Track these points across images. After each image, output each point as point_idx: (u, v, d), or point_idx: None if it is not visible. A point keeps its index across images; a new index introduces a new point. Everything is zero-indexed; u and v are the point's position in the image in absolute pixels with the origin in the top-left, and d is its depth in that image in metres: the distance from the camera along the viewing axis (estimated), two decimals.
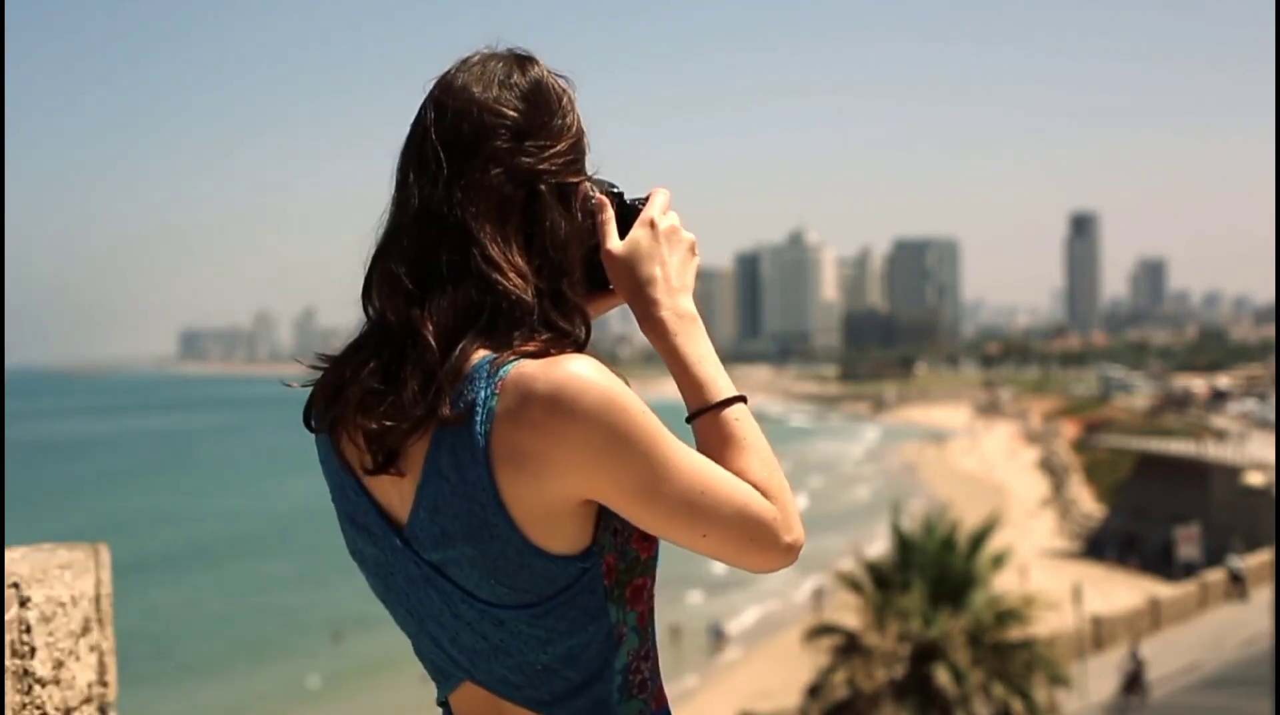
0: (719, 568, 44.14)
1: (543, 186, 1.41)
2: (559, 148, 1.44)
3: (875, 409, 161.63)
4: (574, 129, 1.47)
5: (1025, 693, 21.28)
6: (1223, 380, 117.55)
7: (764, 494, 1.39)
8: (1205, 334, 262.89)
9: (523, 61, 1.46)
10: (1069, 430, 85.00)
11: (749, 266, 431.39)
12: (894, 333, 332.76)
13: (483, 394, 1.32)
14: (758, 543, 1.38)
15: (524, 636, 1.36)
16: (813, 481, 76.42)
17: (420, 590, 1.39)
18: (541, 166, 1.42)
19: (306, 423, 1.47)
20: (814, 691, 22.00)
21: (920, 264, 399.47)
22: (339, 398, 1.41)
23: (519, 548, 1.32)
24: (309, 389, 1.50)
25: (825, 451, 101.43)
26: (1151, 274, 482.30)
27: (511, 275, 1.37)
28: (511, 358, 1.33)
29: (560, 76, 1.49)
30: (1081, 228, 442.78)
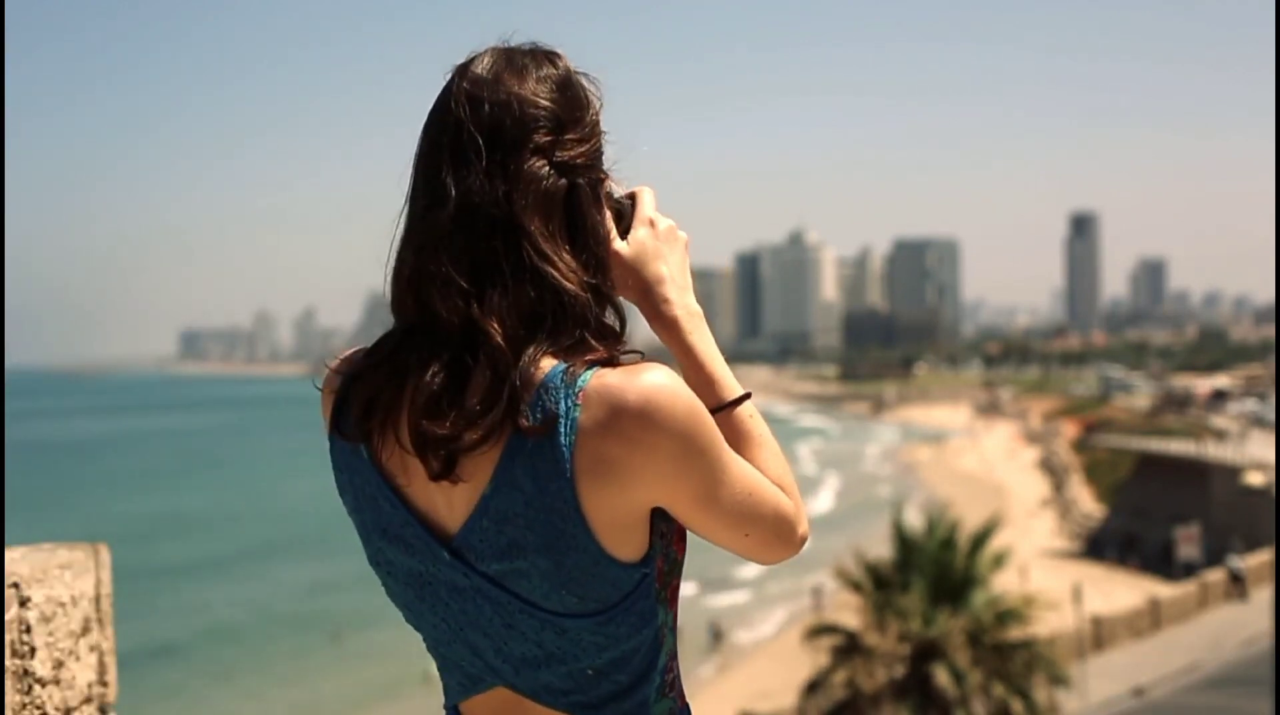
0: (720, 567, 44.16)
1: (581, 180, 1.40)
2: (593, 143, 1.43)
3: (875, 409, 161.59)
4: (598, 123, 1.46)
5: (1025, 693, 21.28)
6: (1223, 380, 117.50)
7: (782, 490, 1.43)
8: (1205, 334, 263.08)
9: (550, 56, 1.45)
10: (1069, 430, 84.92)
11: (749, 266, 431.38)
12: (894, 333, 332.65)
13: (564, 405, 1.29)
14: (782, 538, 1.42)
15: (584, 644, 1.35)
16: (817, 479, 76.47)
17: (467, 601, 1.37)
18: (580, 161, 1.40)
19: (337, 429, 1.43)
20: (813, 689, 22.00)
21: (920, 264, 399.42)
22: (379, 403, 1.37)
23: (595, 558, 1.32)
24: (317, 389, 1.47)
25: (823, 452, 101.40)
26: (1151, 274, 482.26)
27: (565, 270, 1.35)
28: (584, 367, 1.32)
29: (582, 74, 1.47)
30: (1081, 228, 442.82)
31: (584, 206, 1.40)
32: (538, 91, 1.39)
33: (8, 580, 2.22)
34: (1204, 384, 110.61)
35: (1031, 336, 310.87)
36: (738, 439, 1.44)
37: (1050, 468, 75.34)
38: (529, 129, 1.37)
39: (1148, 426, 75.27)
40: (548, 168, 1.37)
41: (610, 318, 1.41)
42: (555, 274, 1.34)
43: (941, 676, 20.77)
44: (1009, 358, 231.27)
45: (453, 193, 1.36)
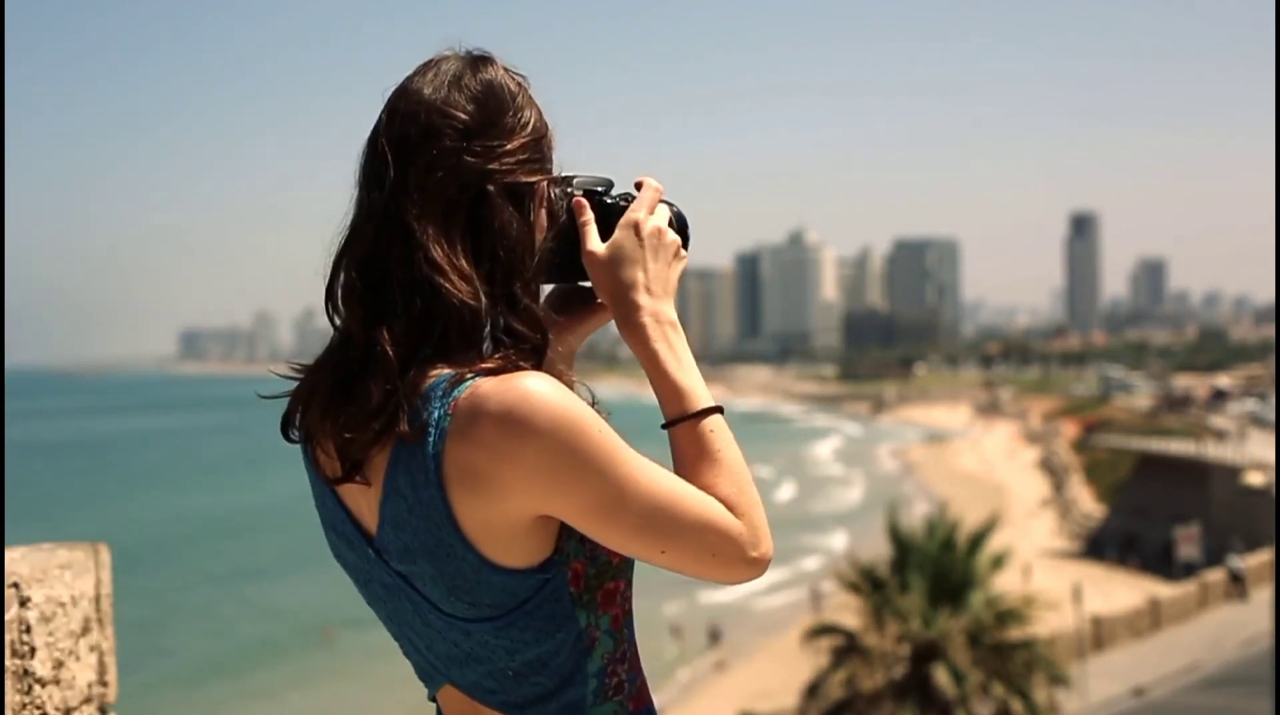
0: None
1: (491, 187, 1.39)
2: (510, 146, 1.41)
3: (875, 409, 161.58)
4: (530, 127, 1.44)
5: (1025, 693, 21.27)
6: (1223, 380, 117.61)
7: (731, 509, 1.37)
8: (1205, 334, 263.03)
9: (477, 62, 1.44)
10: (1069, 430, 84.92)
11: (749, 266, 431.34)
12: (894, 333, 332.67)
13: (436, 413, 1.30)
14: (720, 557, 1.36)
15: (491, 646, 1.36)
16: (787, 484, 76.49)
17: (395, 598, 1.40)
18: (490, 166, 1.39)
19: (285, 434, 1.46)
20: (812, 690, 22.01)
21: (920, 264, 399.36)
22: (309, 408, 1.41)
23: (475, 566, 1.32)
24: (260, 398, 1.50)
25: (844, 451, 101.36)
26: (1151, 274, 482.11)
27: (455, 278, 1.34)
28: (469, 376, 1.32)
29: (517, 75, 1.46)
30: (1081, 228, 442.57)
31: (492, 213, 1.38)
32: (450, 99, 1.40)
33: (8, 580, 2.22)
34: (1204, 384, 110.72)
35: (1031, 336, 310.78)
36: (696, 455, 1.41)
37: (1050, 468, 75.35)
38: (432, 136, 1.38)
39: (1148, 426, 75.28)
40: (448, 174, 1.37)
41: (533, 328, 1.39)
42: (444, 283, 1.34)
43: (941, 677, 20.76)
44: (1009, 358, 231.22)
45: (364, 203, 1.39)
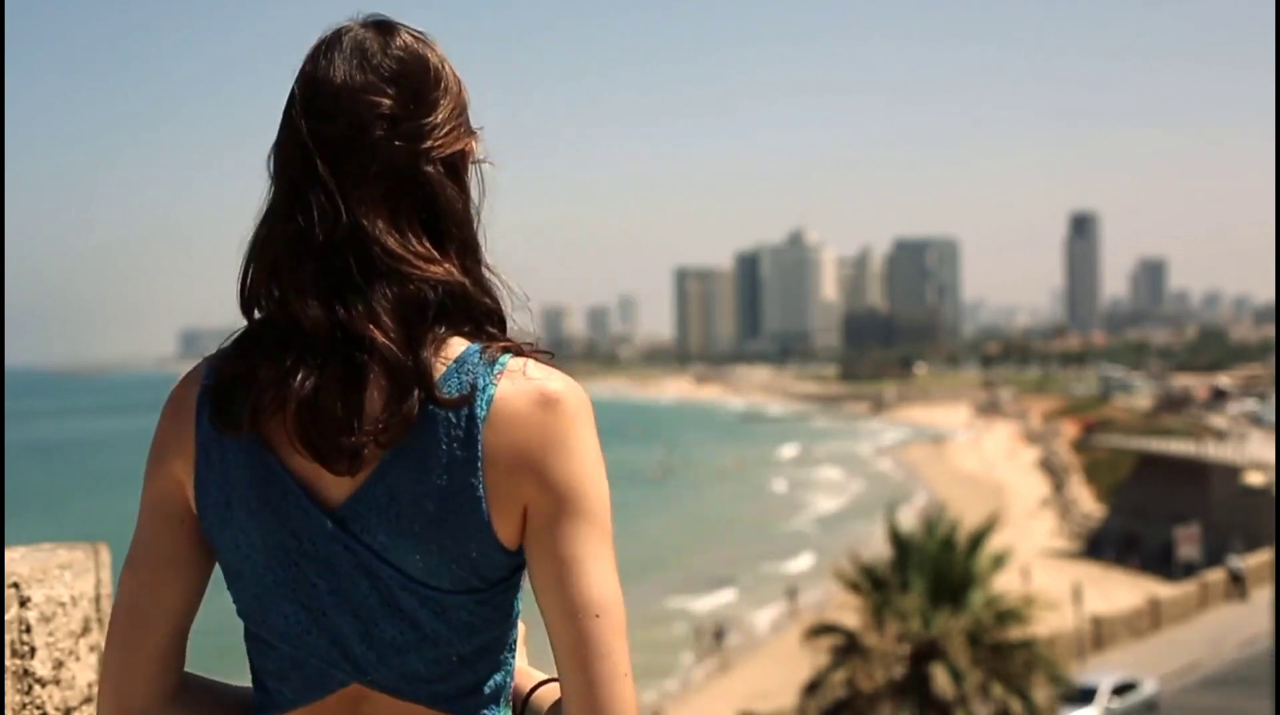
0: (722, 568, 44.16)
1: (429, 167, 1.32)
2: (438, 119, 1.34)
3: (875, 409, 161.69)
4: (451, 91, 1.37)
5: (1024, 693, 21.28)
6: (1223, 380, 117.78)
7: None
8: (1205, 334, 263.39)
9: (383, 31, 1.36)
10: (1069, 430, 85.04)
11: (749, 266, 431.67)
12: (894, 333, 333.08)
13: (482, 381, 1.28)
14: (626, 679, 1.27)
15: (459, 624, 1.30)
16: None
17: (342, 578, 1.30)
18: (424, 145, 1.32)
19: (217, 426, 1.34)
20: (812, 689, 22.01)
21: (920, 264, 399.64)
22: (269, 403, 1.30)
23: (487, 537, 1.28)
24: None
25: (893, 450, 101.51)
26: (1151, 274, 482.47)
27: (419, 263, 1.29)
28: (501, 351, 1.30)
29: (416, 32, 1.38)
30: (1081, 228, 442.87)
31: (434, 191, 1.32)
32: (368, 84, 1.32)
33: (8, 580, 2.22)
34: (1204, 384, 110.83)
35: (1031, 336, 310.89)
36: None
37: (1050, 468, 75.42)
38: (359, 128, 1.30)
39: (1148, 426, 75.39)
40: (383, 165, 1.30)
41: (489, 298, 1.35)
42: (410, 271, 1.28)
43: (941, 677, 20.76)
44: (1009, 358, 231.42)
45: (303, 203, 1.30)
